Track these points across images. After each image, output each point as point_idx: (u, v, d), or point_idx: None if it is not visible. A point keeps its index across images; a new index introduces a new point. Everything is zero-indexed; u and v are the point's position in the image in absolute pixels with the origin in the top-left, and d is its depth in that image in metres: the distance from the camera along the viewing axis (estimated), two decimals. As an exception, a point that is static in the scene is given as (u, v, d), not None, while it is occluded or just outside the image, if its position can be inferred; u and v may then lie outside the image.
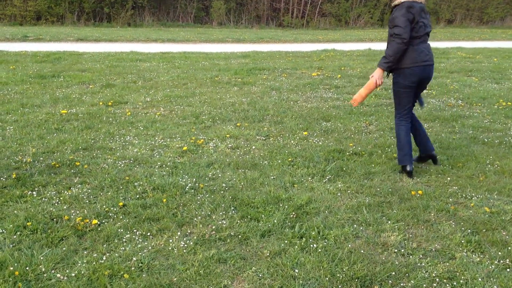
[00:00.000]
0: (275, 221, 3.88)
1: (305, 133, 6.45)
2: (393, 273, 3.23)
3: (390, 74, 4.95)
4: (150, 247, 3.49)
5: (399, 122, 4.97)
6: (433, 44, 18.92)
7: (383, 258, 3.42)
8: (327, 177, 4.88)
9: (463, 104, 8.40)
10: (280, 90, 9.47)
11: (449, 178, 4.89)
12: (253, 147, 5.85)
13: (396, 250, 3.53)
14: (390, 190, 4.59)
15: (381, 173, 5.03)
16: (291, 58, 14.36)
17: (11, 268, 3.11)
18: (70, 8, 26.74)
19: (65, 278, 3.09)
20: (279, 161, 5.33)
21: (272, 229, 3.78)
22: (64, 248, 3.42)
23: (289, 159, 5.36)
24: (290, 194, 4.40)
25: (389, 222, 3.96)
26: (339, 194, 4.48)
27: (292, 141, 6.10)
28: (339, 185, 4.68)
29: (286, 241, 3.60)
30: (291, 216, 3.99)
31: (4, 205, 4.08)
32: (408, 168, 4.91)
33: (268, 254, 3.43)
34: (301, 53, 15.79)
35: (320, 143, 6.04)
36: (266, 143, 6.02)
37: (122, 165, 5.11)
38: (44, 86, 9.27)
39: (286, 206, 4.15)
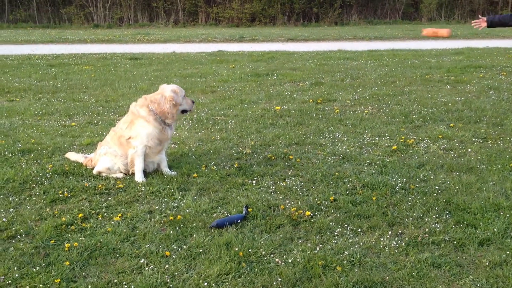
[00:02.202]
0: (495, 229, 3.62)
1: (531, 137, 5.83)
2: None
3: None
4: (361, 243, 3.53)
5: None
6: None
7: None
8: (560, 188, 4.35)
9: None
10: (499, 89, 8.71)
11: None
12: (469, 149, 5.49)
13: None
14: None
15: None
16: (512, 55, 13.08)
17: (236, 249, 3.44)
18: (282, 10, 28.32)
19: (283, 263, 3.30)
20: (499, 166, 4.92)
21: (492, 237, 3.53)
22: (281, 235, 3.66)
23: (511, 165, 4.91)
24: (513, 203, 4.04)
25: None
26: None
27: (514, 145, 5.58)
28: None
29: (507, 252, 3.33)
30: (514, 226, 3.67)
31: (228, 191, 4.52)
32: None
33: (487, 263, 3.22)
34: (525, 49, 14.26)
35: (549, 148, 5.41)
36: (484, 146, 5.60)
37: (332, 161, 5.25)
38: (259, 84, 9.98)
39: (508, 215, 3.83)
